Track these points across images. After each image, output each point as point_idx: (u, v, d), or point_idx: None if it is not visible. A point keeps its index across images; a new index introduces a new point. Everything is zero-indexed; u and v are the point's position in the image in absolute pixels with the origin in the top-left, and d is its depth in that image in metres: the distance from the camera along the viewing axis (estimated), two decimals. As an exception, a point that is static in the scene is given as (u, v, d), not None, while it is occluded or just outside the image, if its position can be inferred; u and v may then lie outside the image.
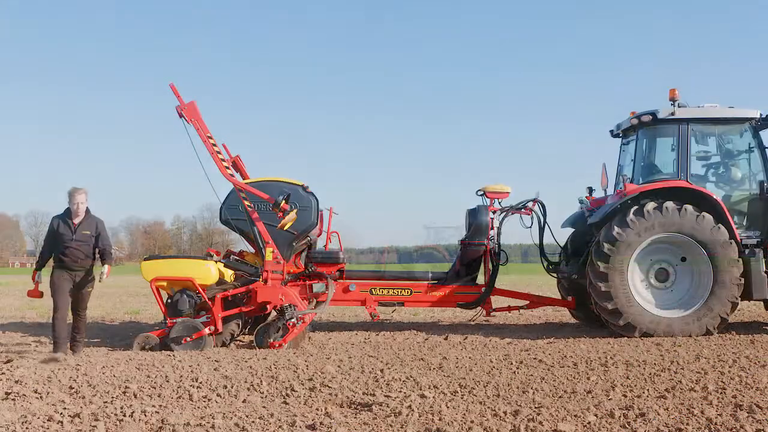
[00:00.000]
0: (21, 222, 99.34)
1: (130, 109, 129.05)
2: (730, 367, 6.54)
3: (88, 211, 7.73)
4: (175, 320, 8.19)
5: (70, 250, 7.58)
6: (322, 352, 7.89)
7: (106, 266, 7.70)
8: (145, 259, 8.64)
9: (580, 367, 6.63)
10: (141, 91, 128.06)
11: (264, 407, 4.98)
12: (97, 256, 7.80)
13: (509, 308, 10.55)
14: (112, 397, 5.28)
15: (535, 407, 4.88)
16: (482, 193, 10.19)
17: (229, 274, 8.83)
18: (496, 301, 11.74)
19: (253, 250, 9.32)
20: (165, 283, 8.45)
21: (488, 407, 4.90)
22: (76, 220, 7.64)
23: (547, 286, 20.15)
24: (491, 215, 10.04)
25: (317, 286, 9.14)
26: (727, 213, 9.10)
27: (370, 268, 10.72)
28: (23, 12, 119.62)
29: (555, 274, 10.70)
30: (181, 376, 6.15)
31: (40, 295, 7.80)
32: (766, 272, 9.03)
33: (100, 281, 7.76)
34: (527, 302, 10.30)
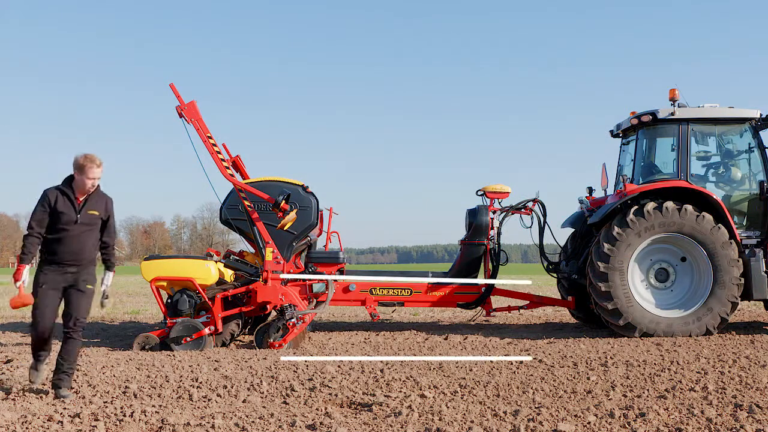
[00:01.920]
0: (21, 222, 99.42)
1: (130, 109, 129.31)
2: (730, 367, 6.53)
3: (97, 185, 5.60)
4: (175, 320, 8.19)
5: (71, 237, 5.42)
6: (322, 352, 7.89)
7: (109, 274, 5.73)
8: (145, 259, 8.64)
9: (580, 367, 6.63)
10: (141, 91, 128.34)
11: (264, 407, 4.98)
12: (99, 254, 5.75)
13: (509, 308, 10.55)
14: (112, 397, 5.29)
15: (535, 407, 4.88)
16: (482, 193, 10.18)
17: (229, 274, 8.83)
18: (496, 301, 11.75)
19: (253, 250, 9.32)
20: (165, 283, 8.45)
21: (488, 407, 4.90)
22: (82, 197, 5.50)
23: (548, 286, 20.17)
24: (491, 215, 10.04)
25: (317, 286, 9.13)
26: (727, 213, 9.09)
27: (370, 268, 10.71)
28: (23, 12, 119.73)
29: (555, 274, 10.70)
30: (181, 376, 6.15)
31: (31, 300, 5.47)
32: (766, 272, 9.02)
33: (104, 299, 5.73)
34: (527, 302, 10.30)
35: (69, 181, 5.52)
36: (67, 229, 5.41)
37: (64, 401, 5.13)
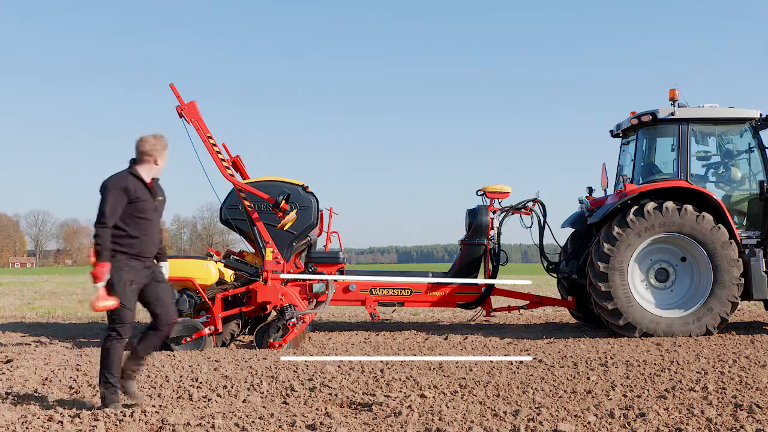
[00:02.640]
0: (21, 222, 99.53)
1: (130, 109, 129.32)
2: (730, 367, 6.53)
3: None
4: (175, 320, 8.18)
5: (151, 226, 4.86)
6: (322, 352, 7.89)
7: (166, 264, 5.22)
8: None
9: (580, 367, 6.63)
10: (141, 91, 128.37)
11: (264, 407, 4.98)
12: None
13: (509, 308, 10.54)
14: (112, 397, 5.27)
15: (535, 407, 4.88)
16: (482, 193, 10.17)
17: (229, 274, 8.82)
18: (496, 301, 11.75)
19: (253, 250, 9.32)
20: (165, 283, 8.43)
21: (488, 407, 4.90)
22: (149, 180, 4.89)
23: (548, 286, 20.16)
24: (491, 215, 10.04)
25: (317, 286, 9.13)
26: (727, 213, 9.09)
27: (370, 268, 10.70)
28: (23, 12, 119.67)
29: (555, 274, 10.69)
30: (181, 376, 6.15)
31: (115, 303, 4.77)
32: (766, 272, 9.02)
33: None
34: (527, 302, 10.29)
35: (134, 164, 4.85)
36: (148, 218, 4.82)
37: (64, 402, 5.12)
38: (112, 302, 4.71)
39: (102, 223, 4.65)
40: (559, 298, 10.77)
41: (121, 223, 4.72)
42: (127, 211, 4.72)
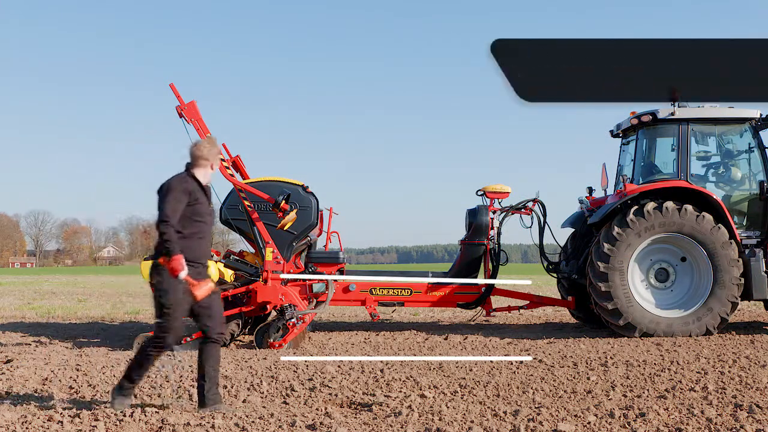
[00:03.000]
0: (21, 222, 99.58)
1: (130, 109, 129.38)
2: (730, 367, 6.53)
3: None
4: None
5: (207, 232, 4.87)
6: (322, 352, 7.89)
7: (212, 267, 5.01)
8: (145, 259, 8.60)
9: (580, 367, 6.63)
10: (141, 91, 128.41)
11: (264, 407, 4.98)
12: None
13: (509, 308, 10.54)
14: (112, 397, 5.27)
15: (535, 407, 4.88)
16: (482, 193, 10.17)
17: (229, 274, 8.82)
18: (496, 301, 11.75)
19: (253, 250, 9.31)
20: (165, 283, 8.42)
21: (488, 407, 4.91)
22: (205, 184, 4.91)
23: (548, 286, 20.15)
24: (491, 215, 10.04)
25: (317, 286, 9.13)
26: (727, 213, 9.09)
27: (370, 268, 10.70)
28: (23, 12, 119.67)
29: (555, 274, 10.69)
30: (181, 376, 6.15)
31: (212, 285, 4.82)
32: (766, 272, 9.02)
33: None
34: (527, 302, 10.29)
35: (190, 169, 4.85)
36: (205, 222, 4.80)
37: (64, 402, 5.12)
38: (211, 283, 4.71)
39: (165, 221, 4.55)
40: (559, 298, 10.77)
41: (178, 226, 4.62)
42: (185, 213, 4.66)
